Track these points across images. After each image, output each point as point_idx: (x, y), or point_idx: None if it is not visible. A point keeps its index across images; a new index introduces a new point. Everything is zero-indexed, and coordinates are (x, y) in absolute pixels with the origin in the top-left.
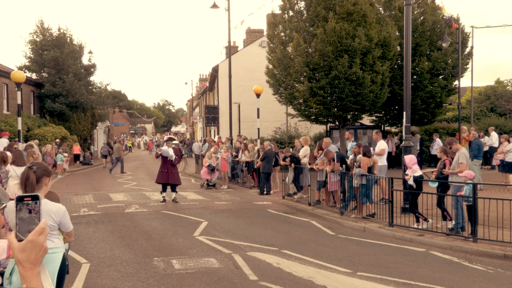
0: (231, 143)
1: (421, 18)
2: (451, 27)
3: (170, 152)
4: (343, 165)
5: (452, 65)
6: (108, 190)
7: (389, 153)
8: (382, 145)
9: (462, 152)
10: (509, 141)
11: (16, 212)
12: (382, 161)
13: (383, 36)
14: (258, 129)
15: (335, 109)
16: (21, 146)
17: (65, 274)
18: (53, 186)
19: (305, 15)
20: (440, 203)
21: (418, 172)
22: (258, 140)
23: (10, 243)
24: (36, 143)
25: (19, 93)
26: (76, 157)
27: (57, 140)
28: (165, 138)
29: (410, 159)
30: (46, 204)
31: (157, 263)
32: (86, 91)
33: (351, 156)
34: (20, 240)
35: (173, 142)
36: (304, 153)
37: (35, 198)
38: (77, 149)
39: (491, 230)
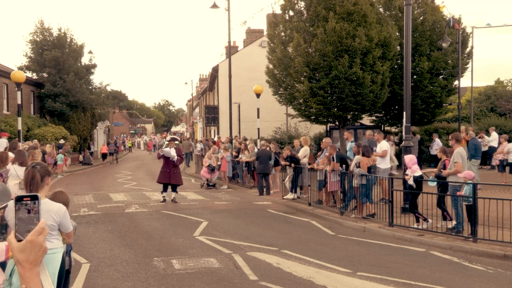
0: (231, 143)
1: (421, 18)
2: (453, 27)
3: (172, 152)
4: (343, 165)
5: (452, 65)
6: (108, 190)
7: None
8: (384, 146)
9: (458, 152)
10: (509, 141)
11: (15, 212)
12: (386, 164)
13: (383, 36)
14: (258, 129)
15: (335, 109)
16: (21, 146)
17: (65, 274)
18: (53, 186)
19: (305, 15)
20: (440, 203)
21: (418, 172)
22: (258, 140)
23: (9, 243)
24: (36, 142)
25: (19, 93)
26: (104, 156)
27: (61, 140)
28: (168, 138)
29: (410, 159)
30: (47, 204)
31: (157, 263)
32: (86, 90)
33: (357, 156)
34: (19, 240)
35: (176, 142)
36: (303, 153)
37: (34, 198)
38: (104, 148)
39: (491, 230)
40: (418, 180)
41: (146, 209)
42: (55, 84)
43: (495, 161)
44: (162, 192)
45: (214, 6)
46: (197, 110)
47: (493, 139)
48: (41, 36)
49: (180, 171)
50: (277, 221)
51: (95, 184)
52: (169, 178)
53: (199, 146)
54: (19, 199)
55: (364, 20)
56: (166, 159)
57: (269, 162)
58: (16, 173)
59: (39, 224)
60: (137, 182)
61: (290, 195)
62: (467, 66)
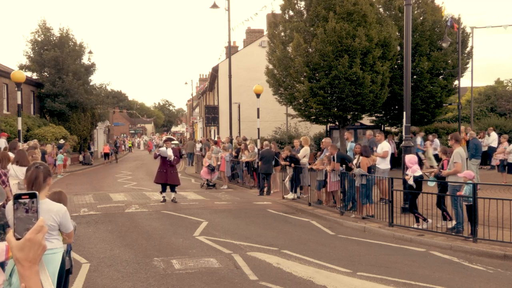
0: (231, 143)
1: (421, 18)
2: (452, 27)
3: (168, 152)
4: (343, 165)
5: (452, 65)
6: (108, 190)
7: (391, 154)
8: (385, 147)
9: (457, 152)
10: (509, 141)
11: (14, 211)
12: (386, 164)
13: (383, 36)
14: (258, 129)
15: (335, 109)
16: (21, 146)
17: (65, 274)
18: (53, 186)
19: (305, 15)
20: (440, 203)
21: (418, 172)
22: (258, 140)
23: (8, 242)
24: (35, 142)
25: (19, 93)
26: (106, 155)
27: (61, 140)
28: (164, 138)
29: (410, 159)
30: (47, 204)
31: (157, 263)
32: (85, 91)
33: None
34: (18, 239)
35: (173, 142)
36: (304, 153)
37: (33, 196)
38: (106, 148)
39: (491, 230)
40: (418, 180)
41: (146, 209)
42: (55, 84)
43: (495, 161)
44: (161, 192)
45: (214, 6)
46: (197, 110)
47: (493, 139)
48: (42, 35)
49: (177, 171)
50: (277, 221)
51: (95, 184)
52: (166, 178)
53: (199, 146)
54: (17, 197)
55: (364, 20)
56: (163, 159)
57: (272, 162)
58: (15, 173)
59: (38, 222)
60: (137, 182)
61: (290, 195)
62: (467, 66)
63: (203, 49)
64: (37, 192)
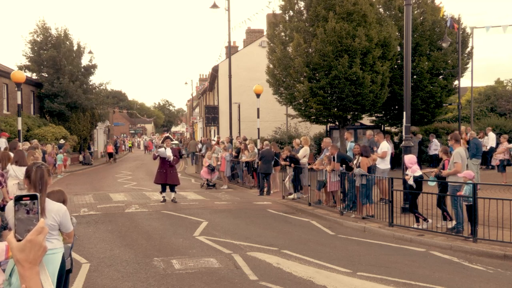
0: (231, 143)
1: (421, 18)
2: (452, 27)
3: (167, 153)
4: (343, 165)
5: (452, 65)
6: (108, 190)
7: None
8: (384, 147)
9: (457, 152)
10: (509, 141)
11: (14, 212)
12: (386, 164)
13: (383, 36)
14: (258, 129)
15: (335, 109)
16: (21, 146)
17: (65, 274)
18: (52, 186)
19: (305, 15)
20: (440, 203)
21: (418, 172)
22: (258, 140)
23: (9, 243)
24: (36, 142)
25: (19, 93)
26: (110, 155)
27: (61, 140)
28: (162, 138)
29: (409, 159)
30: (47, 203)
31: (157, 263)
32: (82, 92)
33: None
34: (19, 240)
35: (172, 142)
36: (303, 153)
37: (34, 198)
38: (110, 148)
39: (491, 230)
40: (418, 180)
41: (146, 209)
42: (53, 84)
43: (495, 161)
44: (161, 192)
45: (214, 6)
46: (197, 110)
47: (491, 139)
48: (41, 35)
49: (177, 171)
50: (277, 221)
51: (95, 184)
52: (166, 178)
53: (199, 146)
54: (18, 199)
55: (364, 20)
56: (162, 159)
57: (272, 162)
58: (15, 173)
59: (39, 223)
60: (137, 182)
61: (293, 196)
62: (467, 66)
63: (203, 49)
64: (38, 194)
